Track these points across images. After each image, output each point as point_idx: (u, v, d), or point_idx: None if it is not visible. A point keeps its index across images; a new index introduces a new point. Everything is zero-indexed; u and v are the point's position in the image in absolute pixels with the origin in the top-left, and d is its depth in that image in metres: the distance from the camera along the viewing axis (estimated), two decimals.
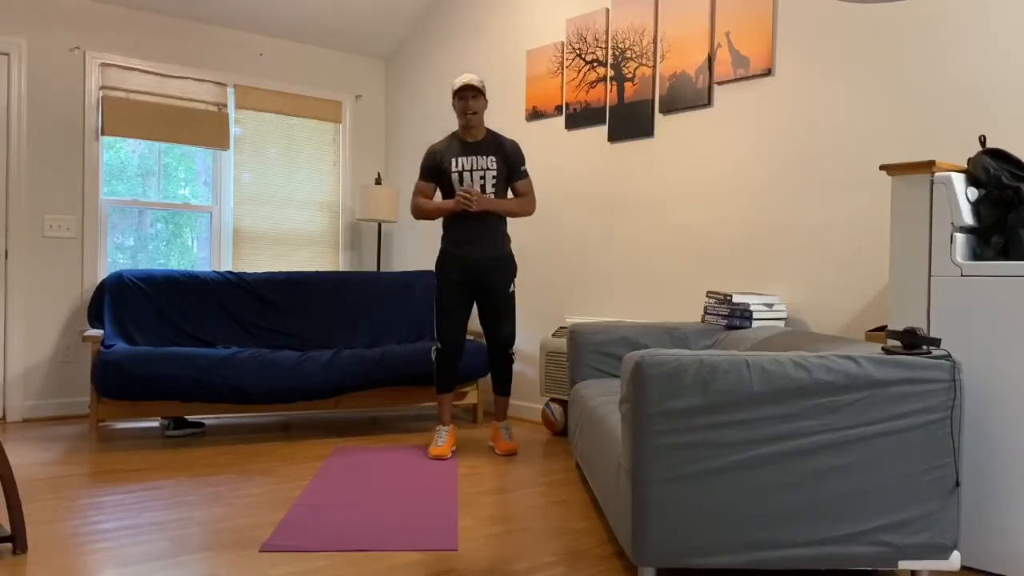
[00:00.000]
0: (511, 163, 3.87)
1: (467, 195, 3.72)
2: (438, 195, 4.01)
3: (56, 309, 4.79)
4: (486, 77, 5.23)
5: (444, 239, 3.91)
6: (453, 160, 3.84)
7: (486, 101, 3.87)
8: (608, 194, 4.45)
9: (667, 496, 2.10)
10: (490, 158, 3.83)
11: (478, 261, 3.83)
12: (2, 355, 4.64)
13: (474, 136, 3.86)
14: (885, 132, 3.26)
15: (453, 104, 3.85)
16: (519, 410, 4.94)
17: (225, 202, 5.38)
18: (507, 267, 3.90)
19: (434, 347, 3.91)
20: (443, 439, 3.85)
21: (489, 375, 5.05)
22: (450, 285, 3.84)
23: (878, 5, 3.29)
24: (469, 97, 3.79)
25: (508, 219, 3.94)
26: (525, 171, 3.92)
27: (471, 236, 3.82)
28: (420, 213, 3.89)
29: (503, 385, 4.01)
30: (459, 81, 3.79)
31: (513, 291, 3.92)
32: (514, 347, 4.00)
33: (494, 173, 3.83)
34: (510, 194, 3.95)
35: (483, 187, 3.82)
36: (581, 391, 3.34)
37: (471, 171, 3.81)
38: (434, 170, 3.89)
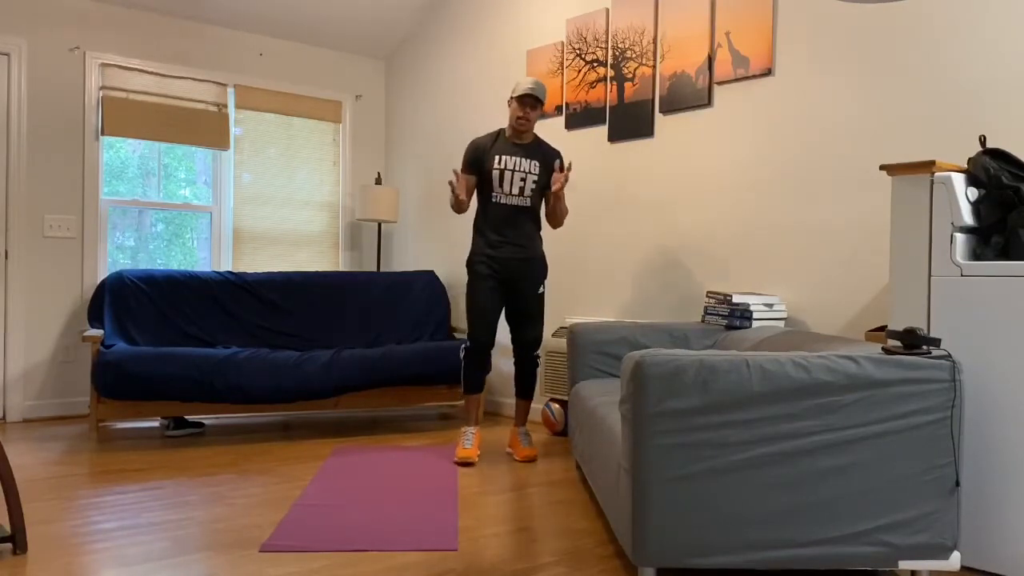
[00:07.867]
0: (554, 172, 3.82)
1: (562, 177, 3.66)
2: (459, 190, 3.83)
3: (56, 309, 4.79)
4: (486, 77, 5.23)
5: (476, 238, 3.84)
6: (497, 157, 3.77)
7: (542, 110, 3.78)
8: (608, 194, 4.45)
9: (667, 496, 2.10)
10: (534, 162, 3.79)
11: (511, 261, 3.77)
12: (2, 355, 4.64)
13: (522, 139, 3.82)
14: (885, 132, 3.26)
15: (509, 102, 3.78)
16: None
17: (225, 202, 5.38)
18: (539, 268, 3.84)
19: (463, 345, 3.82)
20: (470, 441, 3.74)
21: (493, 375, 5.09)
22: (483, 283, 3.76)
23: (878, 5, 3.28)
24: (527, 106, 3.72)
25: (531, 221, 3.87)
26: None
27: (505, 236, 3.77)
28: (457, 206, 3.75)
29: (526, 388, 3.91)
30: (523, 88, 3.70)
31: (543, 292, 3.86)
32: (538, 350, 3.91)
33: (535, 178, 3.79)
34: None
35: (523, 189, 3.77)
36: (581, 391, 3.33)
37: (513, 171, 3.76)
38: (476, 163, 3.80)
